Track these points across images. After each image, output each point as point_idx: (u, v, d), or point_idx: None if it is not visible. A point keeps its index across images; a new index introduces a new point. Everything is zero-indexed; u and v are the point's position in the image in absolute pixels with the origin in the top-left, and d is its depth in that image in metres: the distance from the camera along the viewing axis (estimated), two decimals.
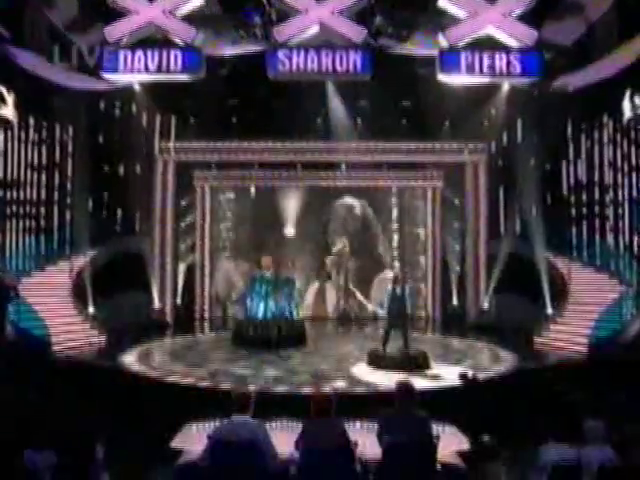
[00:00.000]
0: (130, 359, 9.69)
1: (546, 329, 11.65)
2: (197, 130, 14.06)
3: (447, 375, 8.53)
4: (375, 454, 4.36)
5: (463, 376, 7.34)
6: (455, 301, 15.06)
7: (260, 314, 11.32)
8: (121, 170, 13.95)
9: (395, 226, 15.77)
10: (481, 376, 7.78)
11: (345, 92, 13.25)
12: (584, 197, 13.01)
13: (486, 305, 14.05)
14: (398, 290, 9.29)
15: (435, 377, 8.52)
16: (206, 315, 15.43)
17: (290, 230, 15.41)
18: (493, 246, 14.06)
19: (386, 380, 8.03)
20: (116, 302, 13.03)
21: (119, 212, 13.88)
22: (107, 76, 8.41)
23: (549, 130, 12.25)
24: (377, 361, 9.18)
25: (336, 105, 13.68)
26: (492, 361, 9.82)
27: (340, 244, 14.65)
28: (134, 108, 13.47)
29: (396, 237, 15.74)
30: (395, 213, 15.76)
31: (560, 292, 12.34)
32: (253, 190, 15.51)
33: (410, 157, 14.47)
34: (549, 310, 12.32)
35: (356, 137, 14.14)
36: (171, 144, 14.24)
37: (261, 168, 15.09)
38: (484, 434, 4.88)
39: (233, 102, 13.87)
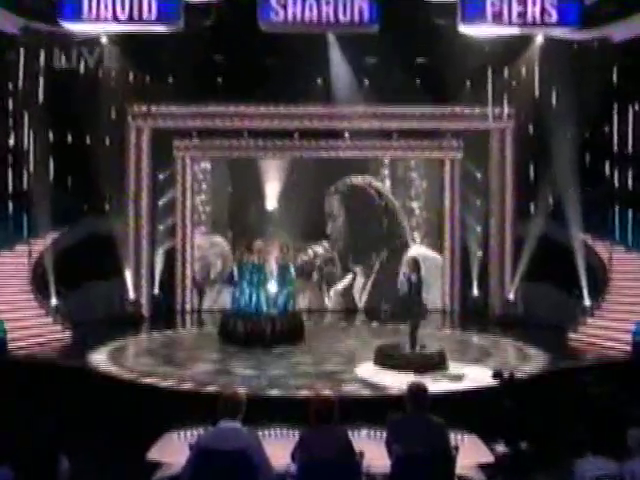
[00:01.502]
0: (100, 358, 9.77)
1: (582, 324, 11.70)
2: (176, 92, 13.96)
3: (467, 376, 8.63)
4: (383, 466, 4.38)
5: (497, 375, 7.37)
6: (476, 291, 15.10)
7: (251, 306, 11.36)
8: (87, 139, 13.89)
9: (414, 204, 15.81)
10: (519, 375, 7.77)
11: (349, 47, 13.15)
12: (629, 170, 12.94)
13: (512, 296, 14.06)
14: (414, 278, 9.29)
15: (453, 378, 8.57)
16: (188, 307, 15.51)
17: (274, 205, 15.51)
18: (521, 228, 14.08)
19: (396, 381, 8.11)
20: (83, 292, 13.09)
21: (85, 188, 13.80)
22: (68, 25, 8.22)
23: (590, 92, 12.12)
24: (386, 360, 9.22)
25: (339, 63, 13.62)
26: (519, 360, 9.88)
27: (309, 253, 14.44)
28: (101, 66, 13.35)
29: (413, 216, 15.85)
30: (412, 189, 15.82)
31: (599, 281, 12.38)
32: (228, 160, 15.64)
33: (425, 124, 14.43)
34: (586, 302, 12.37)
35: (362, 100, 14.11)
36: (146, 108, 14.18)
37: (251, 136, 15.05)
38: (521, 441, 4.88)
39: (218, 59, 13.78)
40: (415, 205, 15.83)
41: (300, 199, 15.22)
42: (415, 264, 9.47)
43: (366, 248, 15.53)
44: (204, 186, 15.73)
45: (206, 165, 15.70)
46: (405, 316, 9.43)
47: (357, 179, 15.68)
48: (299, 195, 15.29)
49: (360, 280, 15.48)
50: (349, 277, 15.39)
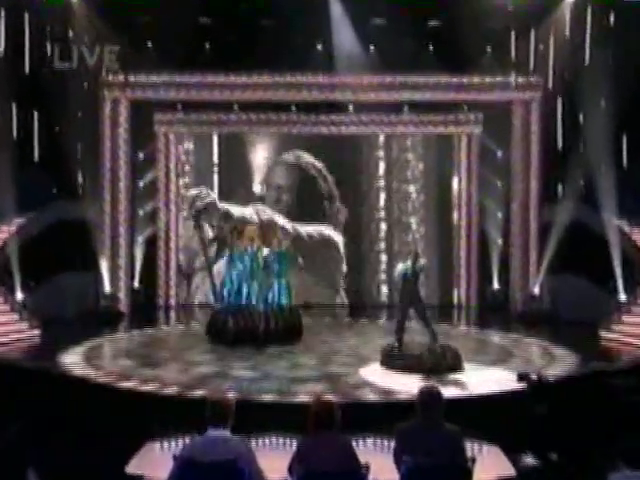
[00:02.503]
0: (73, 360, 9.70)
1: (617, 321, 11.71)
2: (158, 59, 13.96)
3: (485, 379, 8.59)
4: None
5: (523, 377, 7.34)
6: (496, 284, 15.16)
7: (242, 300, 11.33)
8: (56, 112, 13.82)
9: (413, 187, 15.87)
10: (550, 377, 7.83)
11: (354, 8, 13.14)
12: None
13: (537, 290, 14.11)
14: (410, 270, 9.34)
15: (469, 382, 8.53)
16: (172, 302, 15.56)
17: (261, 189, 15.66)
18: (548, 212, 14.11)
19: (405, 385, 8.10)
20: (53, 286, 13.09)
21: (54, 168, 13.80)
22: None
23: (629, 57, 11.99)
24: (393, 360, 9.22)
25: (341, 25, 13.60)
26: (545, 362, 9.85)
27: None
28: (72, 28, 13.31)
29: (415, 199, 15.92)
30: (420, 167, 15.86)
31: (637, 273, 12.42)
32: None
33: (439, 95, 14.45)
34: (621, 297, 12.39)
35: (368, 69, 14.12)
36: (122, 77, 14.15)
37: (243, 110, 15.09)
38: (552, 452, 4.88)
39: (205, 21, 13.74)
40: (412, 188, 15.89)
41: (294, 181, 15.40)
42: (415, 256, 9.51)
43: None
44: (187, 168, 15.82)
45: (189, 145, 15.77)
46: (404, 311, 9.49)
47: (303, 156, 15.75)
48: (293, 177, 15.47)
49: None
50: None
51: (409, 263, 9.37)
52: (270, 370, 9.15)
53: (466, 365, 9.15)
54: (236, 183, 15.68)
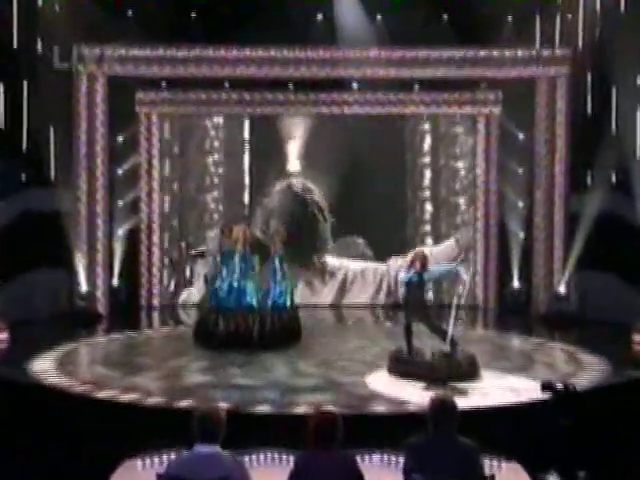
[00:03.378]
0: (44, 367, 9.70)
1: None
2: (139, 30, 13.92)
3: (504, 388, 8.60)
4: None
5: (548, 387, 7.33)
6: (517, 282, 15.17)
7: (232, 299, 11.41)
8: (24, 89, 13.78)
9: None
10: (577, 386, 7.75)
11: None
12: None
13: (563, 288, 14.11)
14: (417, 274, 9.36)
15: (487, 391, 8.55)
16: (156, 301, 15.61)
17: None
18: (575, 202, 14.10)
19: (415, 394, 8.12)
20: (22, 284, 13.08)
21: (24, 152, 13.77)
22: None
23: None
24: (402, 367, 9.23)
25: None
26: (571, 369, 9.85)
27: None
28: None
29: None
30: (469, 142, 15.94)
31: None
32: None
33: (453, 71, 14.40)
34: None
35: (374, 42, 14.14)
36: (99, 51, 14.08)
37: (234, 88, 15.12)
38: (579, 470, 4.87)
39: None
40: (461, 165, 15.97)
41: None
42: (424, 259, 9.51)
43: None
44: (216, 144, 15.92)
45: (218, 120, 15.94)
46: (409, 316, 9.51)
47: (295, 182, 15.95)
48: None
49: None
50: None
51: (416, 268, 9.37)
52: (265, 378, 9.17)
53: (483, 372, 9.16)
54: (267, 164, 15.82)
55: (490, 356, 10.40)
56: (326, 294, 15.89)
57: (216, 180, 16.03)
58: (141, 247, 15.57)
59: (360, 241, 15.89)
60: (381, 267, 15.78)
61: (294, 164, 15.88)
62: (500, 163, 15.43)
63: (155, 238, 15.69)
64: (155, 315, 15.09)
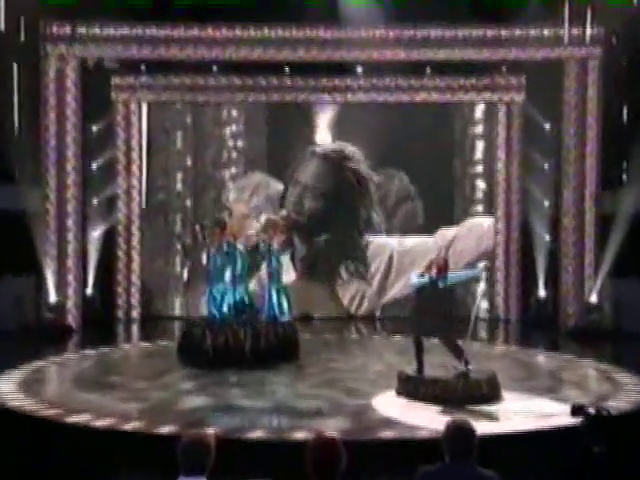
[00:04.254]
0: (8, 387, 9.58)
1: None
2: (115, 6, 13.76)
3: (529, 411, 8.50)
4: None
5: (579, 410, 7.20)
6: (542, 292, 15.15)
7: (225, 309, 11.39)
8: None
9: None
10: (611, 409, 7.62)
11: None
12: None
13: (595, 298, 14.11)
14: (432, 281, 9.19)
15: (509, 415, 8.44)
16: (136, 313, 15.58)
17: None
18: (609, 201, 14.09)
19: (428, 419, 8.01)
20: None
21: None
22: None
23: None
24: (413, 388, 9.10)
25: None
26: (605, 390, 9.67)
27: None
28: None
29: None
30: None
31: None
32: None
33: (470, 53, 14.40)
34: None
35: (381, 21, 14.11)
36: (70, 29, 14.04)
37: (223, 72, 15.13)
38: None
39: None
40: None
41: None
42: (443, 265, 9.36)
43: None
44: (234, 113, 16.03)
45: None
46: (425, 328, 9.35)
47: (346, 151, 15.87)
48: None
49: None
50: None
51: (432, 273, 9.24)
52: (258, 400, 9.06)
53: (505, 394, 9.05)
54: (284, 149, 15.90)
55: (512, 375, 10.27)
56: (371, 278, 15.92)
57: (235, 155, 16.09)
58: (118, 251, 15.56)
59: (405, 176, 15.89)
60: (429, 240, 15.74)
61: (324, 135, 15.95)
62: (523, 157, 15.42)
63: (135, 241, 15.65)
64: (134, 329, 15.08)
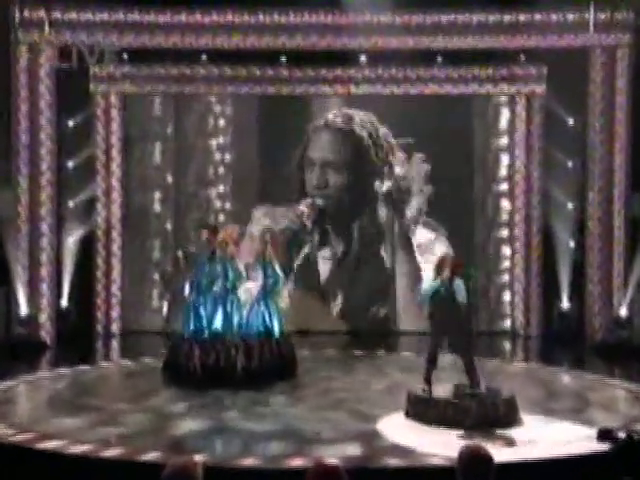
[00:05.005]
0: None
1: None
2: None
3: (552, 436, 8.38)
4: None
5: (607, 434, 7.08)
6: (566, 303, 15.10)
7: (214, 326, 11.36)
8: None
9: None
10: None
11: None
12: None
13: (624, 311, 14.08)
14: (445, 285, 9.12)
15: (530, 440, 8.34)
16: (116, 327, 15.56)
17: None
18: (639, 204, 14.19)
19: (441, 444, 7.89)
20: None
21: None
22: None
23: None
24: (423, 410, 9.03)
25: None
26: (636, 413, 9.62)
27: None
28: None
29: None
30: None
31: None
32: None
33: (486, 40, 14.38)
34: None
35: (387, 5, 14.12)
36: (44, 13, 13.99)
37: (213, 61, 15.14)
38: None
39: None
40: None
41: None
42: (457, 265, 9.31)
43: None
44: (222, 122, 15.93)
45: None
46: (438, 342, 9.30)
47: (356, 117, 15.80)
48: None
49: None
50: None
51: (445, 276, 9.12)
52: (252, 424, 8.97)
53: (525, 417, 8.98)
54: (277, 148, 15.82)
55: (533, 396, 10.23)
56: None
57: (222, 170, 16.01)
58: (97, 259, 15.49)
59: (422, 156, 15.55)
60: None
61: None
62: (545, 154, 15.34)
63: (115, 247, 15.59)
64: (114, 345, 15.04)
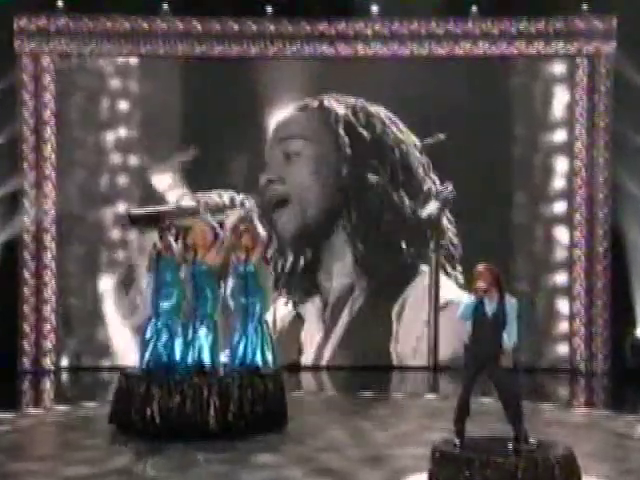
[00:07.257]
0: None
1: None
2: None
3: None
4: None
5: None
6: None
7: (181, 359, 11.47)
8: None
9: None
10: None
11: None
12: None
13: None
14: (491, 308, 9.04)
15: None
16: (49, 361, 15.52)
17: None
18: None
19: None
20: None
21: None
22: None
23: None
24: (454, 470, 8.75)
25: None
26: None
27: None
28: None
29: None
30: None
31: None
32: None
33: None
34: None
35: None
36: None
37: (177, 13, 15.34)
38: None
39: None
40: None
41: None
42: (495, 280, 9.11)
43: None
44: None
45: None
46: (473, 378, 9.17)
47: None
48: None
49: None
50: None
51: (489, 292, 9.02)
52: None
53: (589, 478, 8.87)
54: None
55: (599, 452, 10.28)
56: None
57: None
58: (24, 272, 15.50)
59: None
60: None
61: None
62: (613, 134, 15.37)
63: (48, 256, 15.55)
64: (47, 385, 15.04)
